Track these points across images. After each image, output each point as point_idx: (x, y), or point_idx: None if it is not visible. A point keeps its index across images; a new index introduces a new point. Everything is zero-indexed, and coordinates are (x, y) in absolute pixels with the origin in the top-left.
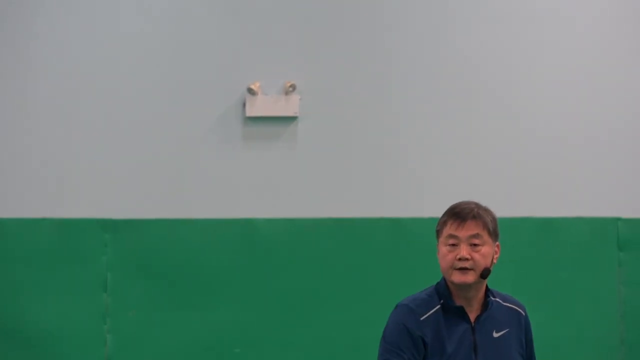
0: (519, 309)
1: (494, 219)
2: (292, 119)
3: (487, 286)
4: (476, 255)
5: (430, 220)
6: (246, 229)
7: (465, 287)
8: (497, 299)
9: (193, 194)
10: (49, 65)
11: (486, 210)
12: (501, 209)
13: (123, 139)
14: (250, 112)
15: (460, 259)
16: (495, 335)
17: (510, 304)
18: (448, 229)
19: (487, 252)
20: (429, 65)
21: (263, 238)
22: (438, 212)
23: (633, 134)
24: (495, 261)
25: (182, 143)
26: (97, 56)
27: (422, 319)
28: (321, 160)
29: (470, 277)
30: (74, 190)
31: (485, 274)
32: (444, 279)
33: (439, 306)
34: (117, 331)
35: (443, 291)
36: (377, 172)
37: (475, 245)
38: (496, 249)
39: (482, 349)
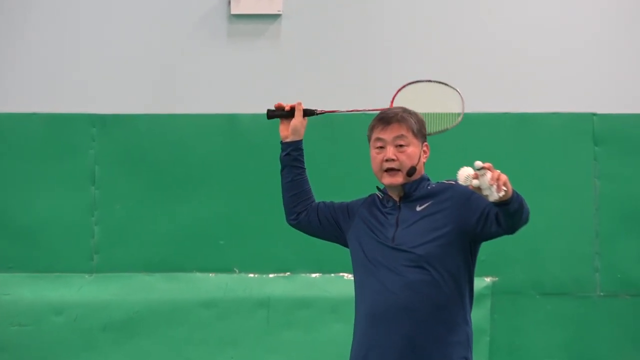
0: (450, 181)
1: (419, 121)
2: (275, 16)
3: (425, 179)
4: (402, 156)
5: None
6: (231, 123)
7: (395, 187)
8: (433, 184)
9: (178, 90)
10: None
11: (411, 113)
12: (479, 104)
13: (110, 35)
14: (236, 9)
15: (387, 160)
16: (418, 208)
17: (443, 181)
18: (375, 133)
19: (412, 153)
20: None
21: (247, 132)
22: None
23: (610, 22)
24: (424, 160)
25: (169, 40)
26: None
27: (361, 202)
28: (304, 57)
29: (398, 178)
30: (63, 86)
31: (411, 172)
32: None
33: (372, 195)
34: (105, 223)
35: (383, 188)
36: (361, 69)
37: (400, 146)
38: (425, 149)
39: (404, 222)
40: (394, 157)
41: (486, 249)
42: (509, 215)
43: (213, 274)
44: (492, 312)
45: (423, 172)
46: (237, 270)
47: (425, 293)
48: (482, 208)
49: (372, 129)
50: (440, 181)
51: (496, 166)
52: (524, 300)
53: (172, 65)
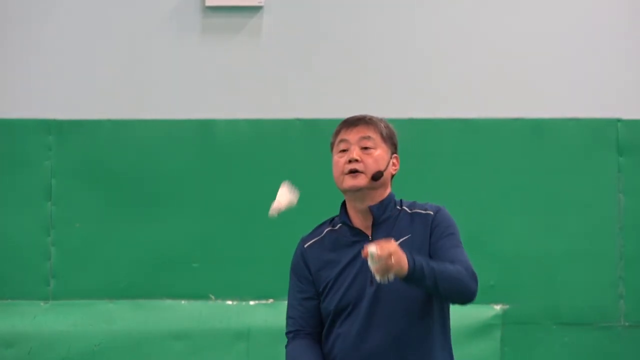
0: (428, 211)
1: (389, 127)
2: (256, 9)
3: (393, 198)
4: (367, 158)
5: (409, 121)
6: (205, 130)
7: (357, 193)
8: (404, 207)
9: (145, 92)
10: None
11: (381, 119)
12: (488, 110)
13: (68, 30)
14: (211, 0)
15: (350, 161)
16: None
17: (418, 209)
18: (339, 136)
19: (380, 157)
20: None
21: (223, 141)
22: (416, 113)
23: (634, 20)
24: (393, 172)
25: (134, 35)
26: None
27: (306, 246)
28: (288, 56)
29: (361, 181)
30: (13, 88)
31: (377, 176)
32: (343, 202)
33: (328, 229)
34: (63, 244)
35: (341, 213)
36: (350, 69)
37: (367, 148)
38: (394, 160)
39: None
40: (358, 158)
41: (496, 273)
42: (426, 291)
43: (185, 301)
44: (502, 344)
45: (390, 188)
46: (213, 297)
47: (409, 332)
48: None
49: (335, 134)
50: (416, 203)
51: (505, 179)
52: (539, 330)
53: (139, 64)
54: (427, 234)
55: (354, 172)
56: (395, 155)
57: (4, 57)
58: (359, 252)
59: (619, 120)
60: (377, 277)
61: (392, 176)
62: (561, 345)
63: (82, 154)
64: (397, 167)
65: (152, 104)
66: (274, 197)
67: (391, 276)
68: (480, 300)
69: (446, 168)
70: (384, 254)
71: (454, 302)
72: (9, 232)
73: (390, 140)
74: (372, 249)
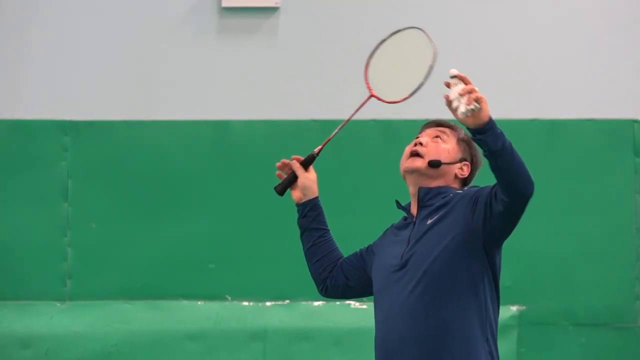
0: (465, 189)
1: (469, 136)
2: (273, 9)
3: (449, 191)
4: (432, 146)
5: (424, 122)
6: (220, 131)
7: (411, 175)
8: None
9: (161, 93)
10: None
11: (462, 129)
12: (505, 110)
13: (84, 30)
14: (227, 1)
15: (415, 145)
16: (429, 222)
17: (461, 190)
18: (419, 132)
19: (445, 150)
20: None
21: (239, 142)
22: (430, 114)
23: None
24: (459, 175)
25: (150, 36)
26: None
27: (389, 227)
28: (304, 57)
29: (417, 163)
30: (30, 89)
31: (434, 163)
32: None
33: (403, 216)
34: (79, 244)
35: (405, 204)
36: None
37: (437, 137)
38: (464, 166)
39: (414, 238)
40: (422, 142)
41: (512, 274)
42: (494, 160)
43: (202, 302)
44: (518, 345)
45: (451, 184)
46: (229, 298)
47: (432, 317)
48: (483, 195)
49: (420, 130)
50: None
51: None
52: (555, 331)
53: (155, 65)
54: (459, 199)
55: (414, 155)
56: (466, 162)
57: (20, 58)
58: (404, 237)
59: (635, 121)
60: (462, 104)
61: (460, 180)
62: (578, 346)
63: (99, 155)
64: (465, 174)
65: (168, 105)
66: (289, 198)
67: (477, 106)
68: None
69: None
70: (468, 79)
71: (512, 188)
72: (26, 232)
73: (466, 145)
74: (453, 70)
